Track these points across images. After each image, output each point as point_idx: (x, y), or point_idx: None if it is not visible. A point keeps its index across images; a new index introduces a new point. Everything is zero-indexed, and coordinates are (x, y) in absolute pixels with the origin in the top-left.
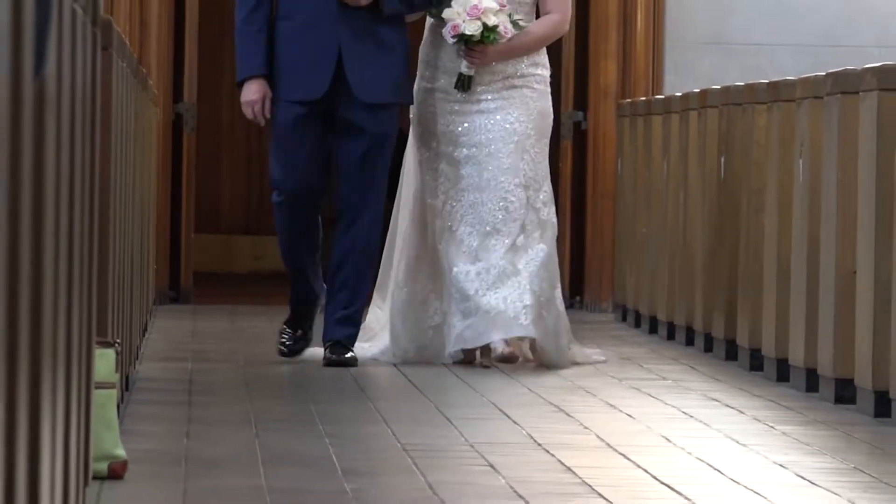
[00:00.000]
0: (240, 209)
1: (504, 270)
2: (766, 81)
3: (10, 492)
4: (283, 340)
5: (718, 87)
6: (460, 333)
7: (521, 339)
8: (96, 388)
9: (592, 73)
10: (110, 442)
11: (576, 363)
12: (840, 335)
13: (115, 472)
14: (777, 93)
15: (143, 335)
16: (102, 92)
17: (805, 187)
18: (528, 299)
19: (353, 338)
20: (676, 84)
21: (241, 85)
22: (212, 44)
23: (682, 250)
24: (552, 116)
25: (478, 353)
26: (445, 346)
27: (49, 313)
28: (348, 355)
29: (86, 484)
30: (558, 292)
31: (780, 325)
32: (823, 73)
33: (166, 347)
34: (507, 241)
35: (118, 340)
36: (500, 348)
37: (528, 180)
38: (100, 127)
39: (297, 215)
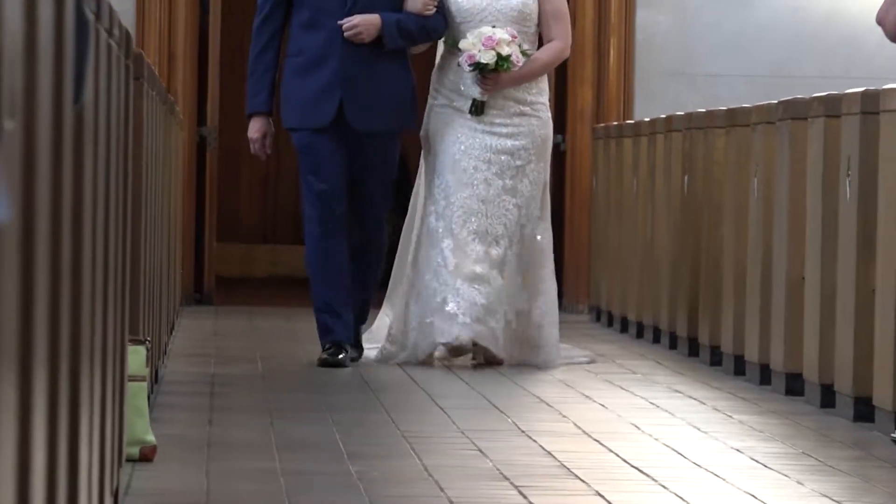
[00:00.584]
0: (257, 221)
1: (497, 285)
2: (725, 108)
3: (53, 472)
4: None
5: (682, 113)
6: (468, 324)
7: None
8: (129, 380)
9: (570, 100)
10: (141, 428)
11: (568, 363)
12: (790, 334)
13: (146, 456)
14: (734, 118)
15: (171, 333)
16: (135, 117)
17: (759, 203)
18: (511, 320)
19: (349, 338)
20: (645, 110)
21: (249, 118)
22: (232, 73)
23: (650, 258)
24: (551, 139)
25: (441, 352)
26: (446, 340)
27: (87, 313)
28: (341, 356)
29: (120, 466)
30: (554, 308)
31: (737, 324)
32: (775, 101)
33: (191, 345)
34: (501, 253)
35: (148, 338)
36: (462, 340)
37: (526, 201)
38: (132, 148)
39: (330, 220)
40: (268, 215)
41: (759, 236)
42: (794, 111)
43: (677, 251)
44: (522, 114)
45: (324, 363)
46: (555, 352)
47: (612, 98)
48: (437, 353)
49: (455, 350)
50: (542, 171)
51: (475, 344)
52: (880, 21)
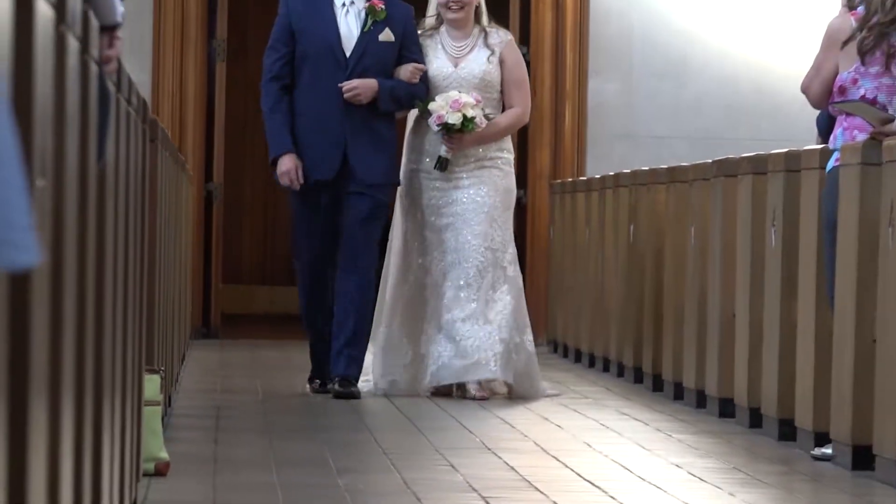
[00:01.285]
0: (257, 265)
1: (478, 320)
2: (666, 167)
3: (79, 485)
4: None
5: (628, 170)
6: (436, 372)
7: (491, 380)
8: (145, 405)
9: (530, 159)
10: (156, 447)
11: (539, 396)
12: (723, 364)
13: (160, 471)
14: (674, 176)
15: (182, 364)
16: (150, 174)
17: (696, 249)
18: (498, 347)
19: (357, 374)
20: (596, 168)
21: (274, 162)
22: (235, 137)
23: (601, 297)
24: (515, 192)
25: (453, 388)
26: (421, 380)
27: (109, 346)
28: (353, 389)
29: (137, 480)
30: (528, 337)
31: (676, 355)
32: (710, 161)
33: (199, 374)
34: (479, 293)
35: (162, 368)
36: (473, 390)
37: (496, 244)
38: (148, 201)
39: (315, 275)
40: (266, 260)
41: (696, 278)
42: (726, 169)
43: (624, 291)
44: (483, 167)
45: (338, 395)
46: (539, 382)
47: (568, 157)
48: (426, 388)
49: (440, 390)
50: (508, 217)
51: (462, 384)
52: (804, 90)
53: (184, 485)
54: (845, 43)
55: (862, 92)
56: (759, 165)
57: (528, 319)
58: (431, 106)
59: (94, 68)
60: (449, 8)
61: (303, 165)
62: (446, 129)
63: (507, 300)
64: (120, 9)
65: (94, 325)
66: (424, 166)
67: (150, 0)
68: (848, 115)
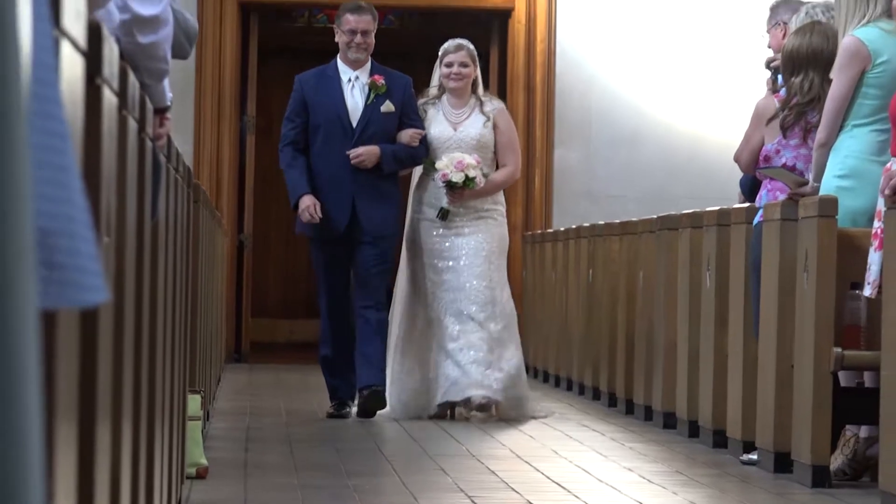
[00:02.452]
0: (280, 301)
1: (479, 350)
2: (619, 221)
3: (135, 486)
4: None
5: (588, 224)
6: (446, 391)
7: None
8: (189, 419)
9: (507, 214)
10: (197, 454)
11: (532, 417)
12: (667, 384)
13: (201, 474)
14: (625, 228)
15: (218, 385)
16: (193, 228)
17: (644, 289)
18: (497, 374)
19: (382, 383)
20: (561, 222)
21: (296, 206)
22: (263, 196)
23: (565, 328)
24: (508, 239)
25: (460, 408)
26: (432, 400)
27: (160, 371)
28: (344, 410)
29: (182, 482)
30: (522, 370)
31: (627, 377)
32: (655, 216)
33: (232, 393)
34: (479, 326)
35: (202, 389)
36: (477, 399)
37: (493, 283)
38: (191, 249)
39: (334, 313)
40: (287, 298)
41: (644, 313)
42: (669, 223)
43: (584, 323)
44: (480, 217)
45: (331, 416)
46: (528, 405)
47: (537, 213)
48: (436, 405)
49: (442, 409)
50: (503, 261)
51: (460, 403)
52: (736, 159)
53: (220, 486)
54: (770, 120)
55: (784, 160)
56: (695, 220)
57: (520, 350)
58: (438, 164)
59: (148, 143)
60: (450, 79)
61: (317, 227)
62: (450, 185)
63: (503, 333)
64: (168, 94)
65: (148, 353)
66: (427, 216)
67: (191, 85)
68: (771, 179)
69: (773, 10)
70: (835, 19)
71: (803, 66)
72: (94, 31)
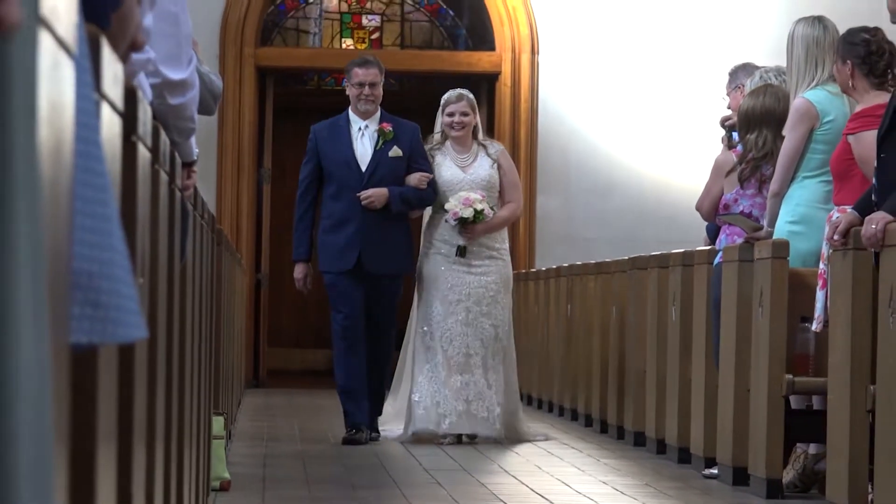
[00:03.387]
0: (294, 333)
1: (480, 385)
2: (594, 262)
3: (167, 497)
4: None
5: (567, 264)
6: (453, 424)
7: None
8: (213, 438)
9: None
10: (221, 469)
11: (526, 440)
12: (637, 406)
13: (224, 487)
14: (600, 269)
15: (238, 407)
16: (216, 268)
17: (616, 322)
18: (496, 410)
19: (374, 422)
20: (543, 263)
21: (296, 262)
22: (278, 239)
23: (546, 357)
24: (512, 278)
25: (453, 439)
26: (437, 425)
27: (188, 395)
28: (374, 434)
29: (207, 494)
30: (517, 397)
31: (602, 400)
32: (626, 258)
33: (251, 414)
34: (481, 360)
35: (225, 411)
36: (478, 434)
37: (498, 321)
38: (215, 287)
39: (347, 340)
40: (300, 330)
41: (616, 344)
42: (638, 264)
43: (563, 353)
44: (492, 257)
45: (347, 441)
46: (524, 429)
47: (522, 254)
48: (433, 433)
49: (443, 437)
50: (508, 299)
51: (454, 434)
52: (698, 208)
53: (241, 498)
54: (728, 172)
55: (741, 208)
56: (662, 261)
57: (517, 383)
58: (447, 205)
59: (177, 193)
60: (453, 128)
61: (328, 260)
62: (461, 221)
63: (501, 369)
64: (195, 150)
65: (178, 379)
66: (440, 251)
67: (214, 141)
68: (730, 224)
69: (733, 74)
70: (786, 82)
71: (757, 125)
72: (129, 94)
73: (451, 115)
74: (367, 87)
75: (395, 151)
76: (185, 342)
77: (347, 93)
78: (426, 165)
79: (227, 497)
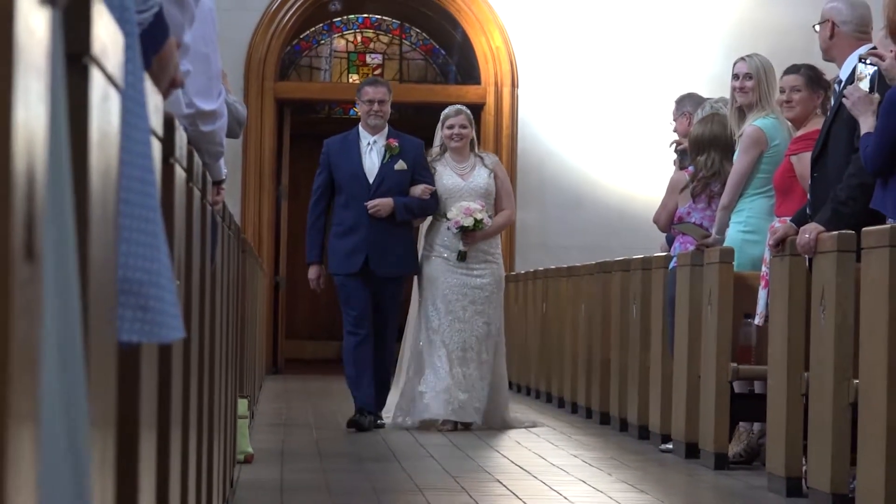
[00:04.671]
0: (308, 327)
1: (473, 377)
2: (566, 266)
3: (199, 468)
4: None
5: (542, 268)
6: (454, 410)
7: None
8: (239, 418)
9: None
10: (245, 444)
11: (512, 427)
12: (602, 389)
13: (248, 460)
14: (571, 272)
15: (260, 391)
16: (241, 271)
17: (585, 319)
18: (484, 401)
19: (382, 407)
20: (522, 267)
21: (309, 265)
22: (293, 247)
23: (525, 348)
24: (504, 279)
25: (448, 425)
26: (435, 412)
27: (218, 381)
28: (379, 421)
29: (233, 466)
30: (506, 388)
31: (572, 384)
32: (594, 262)
33: (271, 397)
34: (475, 355)
35: (249, 394)
36: (468, 422)
37: (491, 318)
38: (240, 288)
39: (355, 335)
40: (314, 324)
41: (585, 336)
42: (604, 268)
43: (539, 345)
44: (487, 261)
45: (351, 423)
46: (511, 416)
47: (504, 259)
48: (434, 421)
49: (443, 423)
50: (501, 298)
51: (453, 421)
52: (655, 221)
53: (262, 469)
54: (682, 189)
55: (693, 219)
56: (625, 265)
57: (507, 376)
58: (449, 214)
59: (208, 207)
60: (452, 139)
61: (337, 263)
62: (463, 229)
63: (492, 361)
64: (224, 170)
65: (209, 367)
66: (440, 254)
67: (239, 162)
68: (683, 234)
69: (679, 102)
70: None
71: (706, 148)
72: (168, 123)
73: (450, 127)
74: (376, 104)
75: (401, 165)
76: (214, 335)
77: (357, 109)
78: (429, 178)
79: (251, 468)
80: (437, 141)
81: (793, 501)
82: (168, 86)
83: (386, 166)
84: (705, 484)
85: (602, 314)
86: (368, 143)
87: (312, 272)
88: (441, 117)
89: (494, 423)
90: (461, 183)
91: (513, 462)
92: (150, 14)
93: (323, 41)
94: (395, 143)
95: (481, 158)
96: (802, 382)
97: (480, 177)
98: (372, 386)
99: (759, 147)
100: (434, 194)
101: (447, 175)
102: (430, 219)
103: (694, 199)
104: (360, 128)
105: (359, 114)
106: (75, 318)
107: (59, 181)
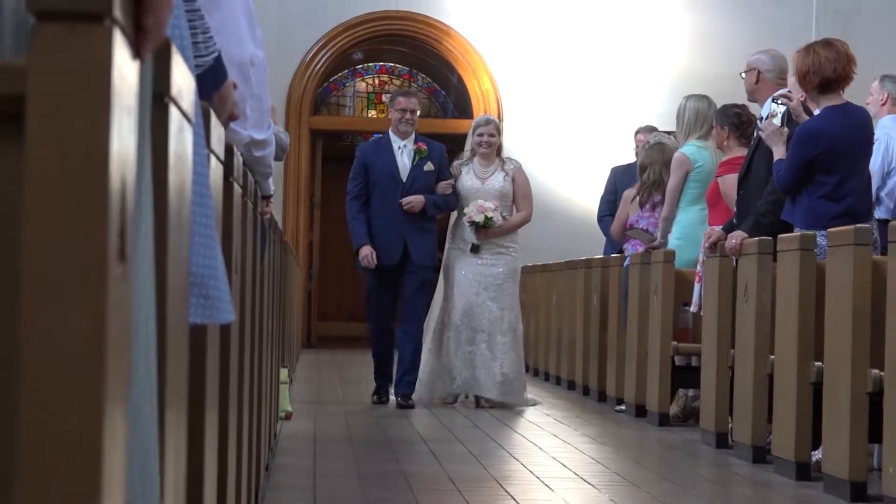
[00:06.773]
0: (336, 310)
1: (486, 357)
2: (540, 264)
3: (250, 423)
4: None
5: (522, 265)
6: (460, 386)
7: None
8: (281, 383)
9: None
10: (285, 404)
11: (528, 405)
12: (569, 362)
13: (288, 417)
14: (545, 269)
15: (297, 361)
16: (283, 267)
17: (555, 306)
18: (498, 378)
19: (412, 392)
20: None
21: (357, 250)
22: (325, 247)
23: (533, 331)
24: (519, 271)
25: (465, 400)
26: (449, 388)
27: (266, 354)
28: (410, 402)
29: (276, 421)
30: (521, 372)
31: (545, 357)
32: (563, 261)
33: (306, 368)
34: (487, 336)
35: (288, 365)
36: (482, 401)
37: (504, 305)
38: (282, 279)
39: (380, 326)
40: (341, 308)
41: (555, 320)
42: (571, 266)
43: (543, 327)
44: (500, 253)
45: (375, 402)
46: (524, 396)
47: None
48: (445, 396)
49: (454, 397)
50: (515, 288)
51: (466, 394)
52: (612, 234)
53: (300, 423)
54: (632, 201)
55: (642, 225)
56: (588, 264)
57: (521, 357)
58: (465, 210)
59: (259, 217)
60: (481, 145)
61: (375, 252)
62: (474, 224)
63: (508, 344)
64: (271, 187)
65: (259, 342)
66: (460, 247)
67: (281, 179)
68: (633, 238)
69: (637, 134)
70: (675, 139)
71: (649, 165)
72: (228, 149)
73: (480, 135)
74: (408, 113)
75: (429, 166)
76: (262, 317)
77: (390, 117)
78: (449, 177)
79: (290, 424)
80: (467, 146)
81: (721, 452)
82: (227, 118)
83: (416, 167)
84: (651, 438)
85: (569, 302)
86: (399, 147)
87: (364, 251)
88: (472, 125)
89: (514, 402)
90: (478, 185)
91: (496, 418)
92: (211, 58)
93: (348, 83)
94: (423, 146)
95: (504, 163)
96: (729, 357)
97: (497, 180)
98: (390, 366)
99: (683, 168)
100: (454, 190)
101: (468, 178)
102: (454, 216)
103: (641, 208)
104: (391, 133)
105: (391, 121)
106: (151, 307)
107: (144, 196)
